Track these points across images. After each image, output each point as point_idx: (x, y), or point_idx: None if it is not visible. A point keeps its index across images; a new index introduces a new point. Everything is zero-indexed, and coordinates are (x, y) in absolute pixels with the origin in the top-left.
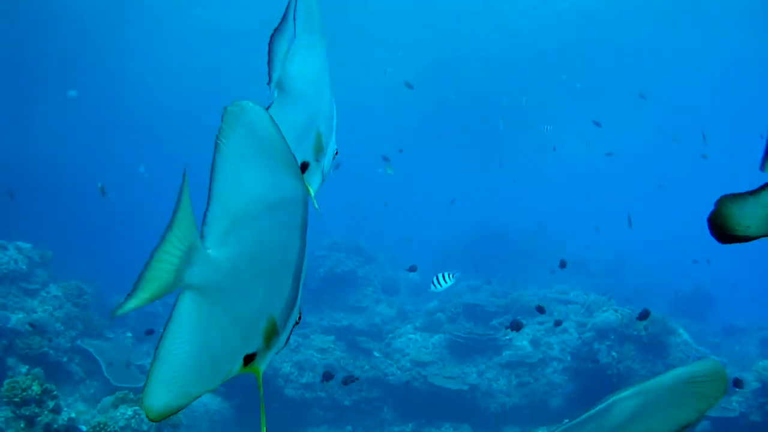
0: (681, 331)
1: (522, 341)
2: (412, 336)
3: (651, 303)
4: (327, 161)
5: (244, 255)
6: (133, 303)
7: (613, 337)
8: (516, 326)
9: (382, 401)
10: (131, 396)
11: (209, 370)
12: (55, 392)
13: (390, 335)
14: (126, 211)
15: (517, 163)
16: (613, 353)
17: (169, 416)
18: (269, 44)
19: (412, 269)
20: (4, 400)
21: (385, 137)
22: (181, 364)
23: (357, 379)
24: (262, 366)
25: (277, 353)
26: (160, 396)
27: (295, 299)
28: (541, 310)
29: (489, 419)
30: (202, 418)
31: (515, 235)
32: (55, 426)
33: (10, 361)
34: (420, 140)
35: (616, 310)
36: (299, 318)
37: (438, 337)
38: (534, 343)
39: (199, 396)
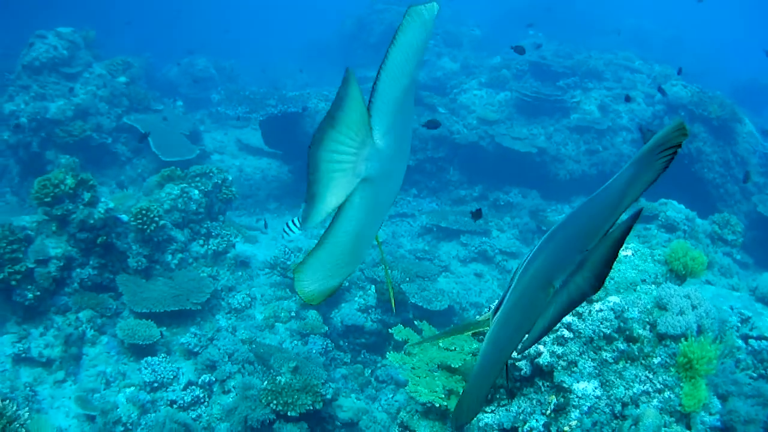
0: (746, 120)
1: (590, 105)
2: (478, 92)
3: (714, 87)
4: None
5: (397, 142)
6: (320, 211)
7: (683, 114)
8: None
9: (447, 161)
10: (178, 172)
11: (363, 248)
12: (91, 182)
13: (455, 90)
14: None
15: None
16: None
17: (327, 298)
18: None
19: None
20: (35, 202)
21: None
22: (343, 249)
23: (440, 124)
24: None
25: None
26: (321, 280)
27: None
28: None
29: (557, 186)
30: (258, 185)
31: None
32: (91, 221)
33: (49, 154)
34: None
35: (685, 86)
36: None
37: (504, 95)
38: (602, 108)
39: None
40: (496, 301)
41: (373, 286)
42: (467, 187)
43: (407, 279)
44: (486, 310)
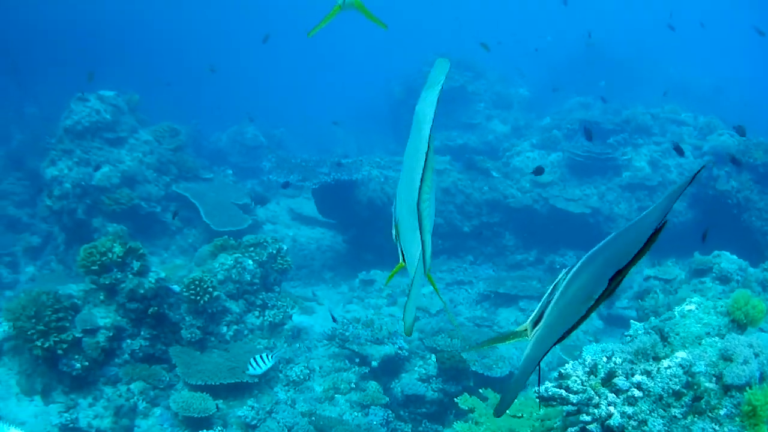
0: None
1: (641, 161)
2: (530, 154)
3: (758, 134)
4: None
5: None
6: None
7: (731, 163)
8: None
9: (502, 226)
10: (232, 242)
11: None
12: (141, 251)
13: (507, 153)
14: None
15: None
16: (733, 182)
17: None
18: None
19: None
20: (82, 270)
21: None
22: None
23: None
24: None
25: None
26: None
27: None
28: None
29: None
30: (312, 255)
31: (613, 53)
32: (141, 291)
33: (96, 222)
34: None
35: (732, 135)
36: None
37: (556, 155)
38: (652, 164)
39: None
40: (535, 312)
41: (434, 355)
42: (523, 252)
43: (467, 347)
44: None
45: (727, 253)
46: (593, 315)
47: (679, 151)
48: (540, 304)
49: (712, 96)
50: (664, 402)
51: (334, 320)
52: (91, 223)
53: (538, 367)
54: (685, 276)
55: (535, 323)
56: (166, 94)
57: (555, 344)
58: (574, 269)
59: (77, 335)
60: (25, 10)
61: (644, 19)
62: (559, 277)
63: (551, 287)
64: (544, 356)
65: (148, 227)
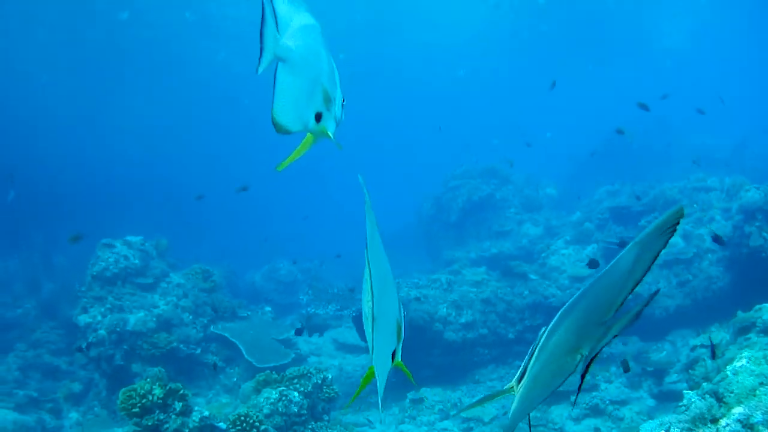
0: None
1: (674, 237)
2: (565, 251)
3: None
4: (337, 109)
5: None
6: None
7: (761, 217)
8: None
9: (546, 324)
10: (274, 375)
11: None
12: (182, 391)
13: (543, 254)
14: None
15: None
16: (765, 234)
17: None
18: (260, 34)
19: None
20: (122, 413)
21: None
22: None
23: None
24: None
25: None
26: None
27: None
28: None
29: (655, 325)
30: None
31: (634, 135)
32: (186, 431)
33: (135, 367)
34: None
35: (758, 188)
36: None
37: (591, 248)
38: (685, 237)
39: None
40: (520, 368)
41: None
42: None
43: None
44: None
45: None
46: (644, 395)
47: (719, 241)
48: (524, 361)
49: (736, 155)
50: None
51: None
52: (131, 368)
53: (528, 420)
54: (730, 337)
55: (520, 379)
56: (195, 237)
57: (544, 399)
58: (552, 324)
59: None
60: (46, 161)
61: (659, 96)
62: (540, 333)
63: (535, 345)
64: (531, 410)
65: (190, 369)
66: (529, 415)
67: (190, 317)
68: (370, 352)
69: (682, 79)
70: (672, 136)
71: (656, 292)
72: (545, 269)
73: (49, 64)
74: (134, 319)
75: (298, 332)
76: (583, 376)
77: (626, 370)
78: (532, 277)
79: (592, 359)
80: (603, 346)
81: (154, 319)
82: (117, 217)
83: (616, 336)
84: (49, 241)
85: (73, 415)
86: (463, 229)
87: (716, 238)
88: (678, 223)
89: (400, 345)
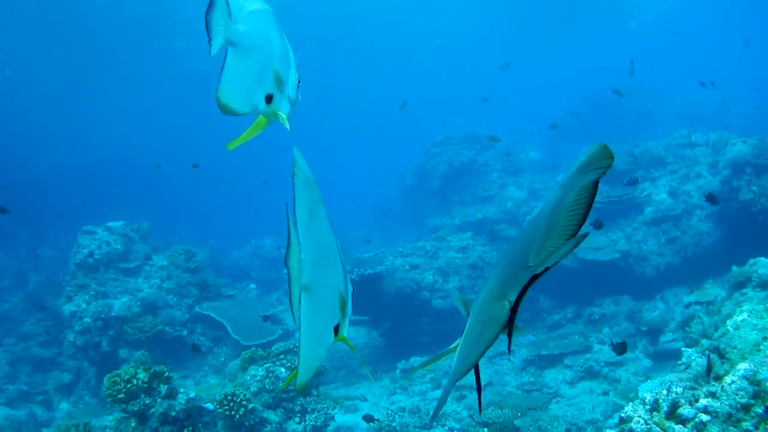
0: None
1: (661, 194)
2: None
3: None
4: (291, 90)
5: (316, 252)
6: (295, 309)
7: (749, 170)
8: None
9: (535, 290)
10: (260, 352)
11: (321, 346)
12: (167, 374)
13: (528, 217)
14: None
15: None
16: (753, 188)
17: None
18: (206, 18)
19: None
20: (109, 399)
21: None
22: (310, 346)
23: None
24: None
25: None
26: (304, 373)
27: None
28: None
29: (647, 284)
30: (350, 355)
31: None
32: (173, 414)
33: (123, 352)
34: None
35: (744, 142)
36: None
37: None
38: (672, 194)
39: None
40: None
41: (486, 429)
42: (560, 311)
43: (519, 414)
44: (600, 423)
45: (763, 259)
46: (640, 355)
47: (713, 200)
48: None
49: (720, 113)
50: (733, 419)
51: (371, 420)
52: (118, 354)
53: (475, 372)
54: (726, 293)
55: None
56: (178, 220)
57: (481, 353)
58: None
59: None
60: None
61: (643, 56)
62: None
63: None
64: (470, 366)
65: (177, 351)
66: (478, 374)
67: (175, 299)
68: (297, 324)
69: (664, 39)
70: (653, 98)
71: (585, 235)
72: None
73: (22, 52)
74: (119, 304)
75: (265, 319)
76: (509, 323)
77: (621, 352)
78: None
79: (517, 305)
80: (525, 291)
81: (139, 303)
82: (101, 204)
83: (537, 277)
84: (34, 234)
85: (64, 406)
86: (447, 196)
87: (710, 197)
88: (608, 166)
89: (347, 320)
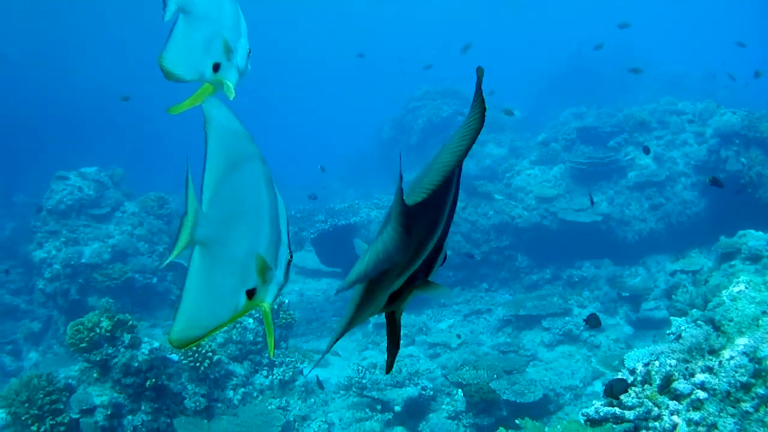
0: None
1: (645, 159)
2: (531, 171)
3: (761, 108)
4: (241, 60)
5: (226, 209)
6: (171, 257)
7: (738, 141)
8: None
9: (513, 248)
10: None
11: (218, 305)
12: (130, 323)
13: (507, 174)
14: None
15: None
16: (742, 159)
17: (190, 345)
18: None
19: None
20: (72, 349)
21: None
22: (196, 302)
23: None
24: (266, 299)
25: (280, 289)
26: (182, 329)
27: (278, 239)
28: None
29: (628, 249)
30: (322, 307)
31: (602, 60)
32: (135, 364)
33: (91, 300)
34: None
35: (734, 113)
36: (291, 256)
37: (558, 168)
38: (657, 159)
39: (216, 329)
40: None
41: (460, 390)
42: (538, 271)
43: (495, 376)
44: (579, 390)
45: (752, 231)
46: (621, 321)
47: (718, 183)
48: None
49: (706, 84)
50: (732, 398)
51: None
52: (87, 302)
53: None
54: (713, 263)
55: None
56: (154, 167)
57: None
58: None
59: (74, 416)
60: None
61: (630, 21)
62: None
63: None
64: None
65: (147, 300)
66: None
67: (146, 246)
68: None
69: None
70: (637, 62)
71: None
72: (510, 189)
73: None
74: (89, 251)
75: None
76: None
77: (595, 325)
78: (498, 197)
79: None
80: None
81: (109, 249)
82: (79, 150)
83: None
84: (7, 179)
85: (33, 356)
86: (425, 151)
87: (714, 181)
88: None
89: (270, 288)
